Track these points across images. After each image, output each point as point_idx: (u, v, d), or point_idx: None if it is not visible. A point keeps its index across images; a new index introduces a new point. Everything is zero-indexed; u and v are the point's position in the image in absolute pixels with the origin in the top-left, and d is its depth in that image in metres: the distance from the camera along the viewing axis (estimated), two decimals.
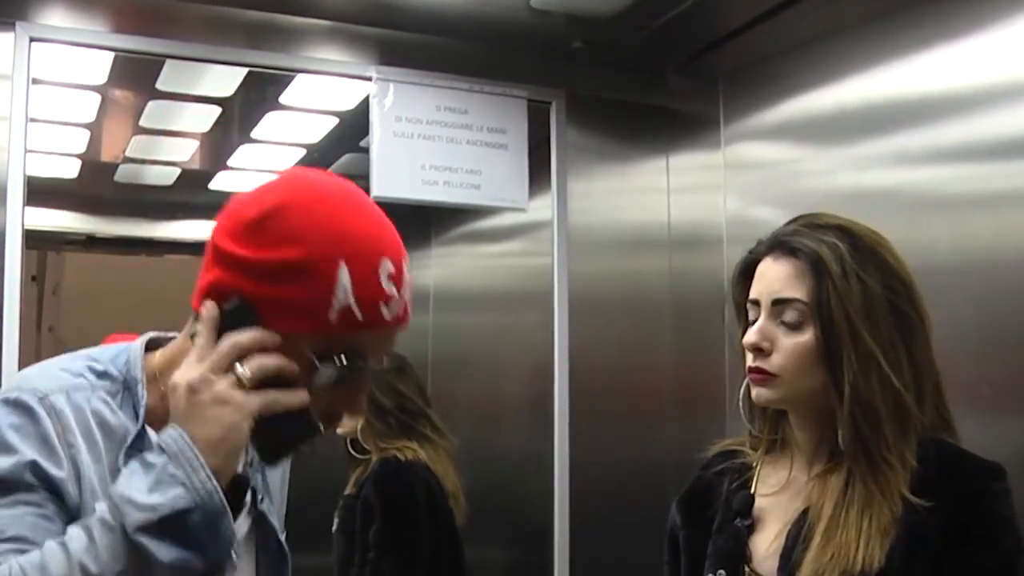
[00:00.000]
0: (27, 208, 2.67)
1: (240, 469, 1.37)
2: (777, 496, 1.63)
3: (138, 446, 1.25)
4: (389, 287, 1.26)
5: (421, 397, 3.32)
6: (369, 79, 3.07)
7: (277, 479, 1.54)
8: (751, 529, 1.62)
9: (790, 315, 1.55)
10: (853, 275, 1.52)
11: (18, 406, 1.22)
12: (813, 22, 2.81)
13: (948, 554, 1.44)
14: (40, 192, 2.92)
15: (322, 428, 1.28)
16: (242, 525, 1.40)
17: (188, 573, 1.16)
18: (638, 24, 3.01)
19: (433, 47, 3.13)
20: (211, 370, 1.20)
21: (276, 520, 1.48)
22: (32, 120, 2.70)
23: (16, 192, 2.64)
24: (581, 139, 3.37)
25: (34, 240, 2.95)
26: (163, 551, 1.13)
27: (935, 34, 2.49)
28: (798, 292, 1.55)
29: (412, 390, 3.29)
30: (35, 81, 2.72)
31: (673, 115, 3.44)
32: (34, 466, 1.19)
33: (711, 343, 3.13)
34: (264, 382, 1.22)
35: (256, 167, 4.17)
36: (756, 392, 1.59)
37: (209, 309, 1.25)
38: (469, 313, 4.47)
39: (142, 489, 1.14)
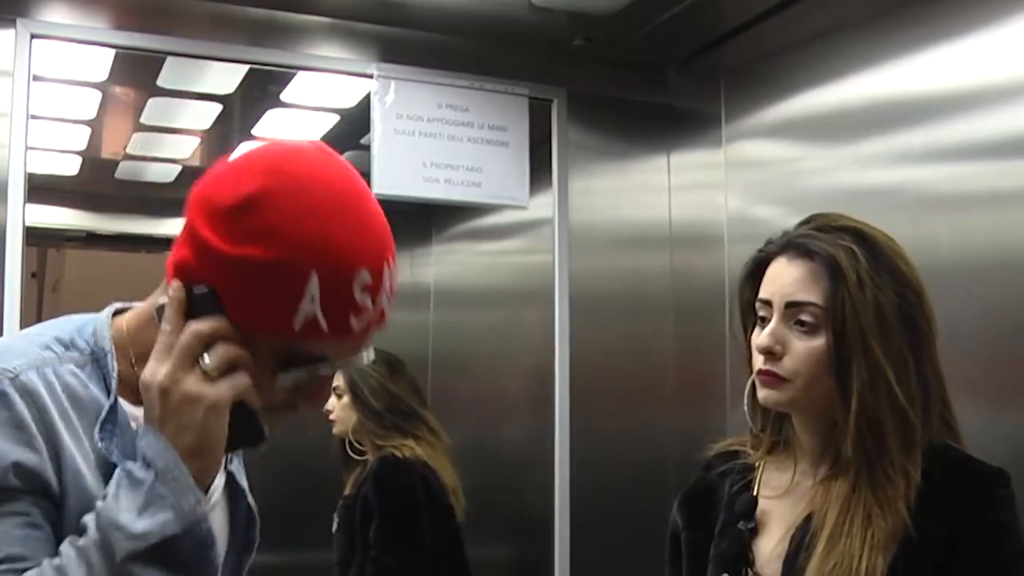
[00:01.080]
0: (28, 205, 2.67)
1: None
2: (781, 499, 1.62)
3: (112, 419, 1.20)
4: (362, 299, 1.19)
5: (416, 398, 3.31)
6: (370, 76, 3.06)
7: None
8: (754, 532, 1.61)
9: (804, 318, 1.52)
10: (869, 284, 1.49)
11: None
12: (815, 20, 2.80)
13: (951, 562, 1.43)
14: (41, 189, 2.93)
15: (267, 432, 1.22)
16: (218, 483, 1.36)
17: None
18: (640, 21, 3.01)
19: (434, 44, 3.13)
20: (178, 366, 1.15)
21: (244, 481, 1.44)
22: (33, 117, 2.70)
23: (17, 189, 2.64)
24: (582, 137, 3.36)
25: (34, 237, 2.95)
26: None
27: (937, 32, 2.49)
28: (814, 295, 1.52)
29: (405, 391, 3.28)
30: (36, 78, 2.72)
31: (674, 113, 3.44)
32: (16, 467, 1.12)
33: (712, 341, 3.13)
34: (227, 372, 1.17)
35: None
36: (764, 394, 1.57)
37: (176, 290, 1.19)
38: (470, 311, 4.47)
39: (131, 511, 1.10)
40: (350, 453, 3.28)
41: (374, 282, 1.20)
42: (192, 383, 1.15)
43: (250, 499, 1.44)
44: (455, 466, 3.26)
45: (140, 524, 1.10)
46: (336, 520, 3.27)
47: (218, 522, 1.35)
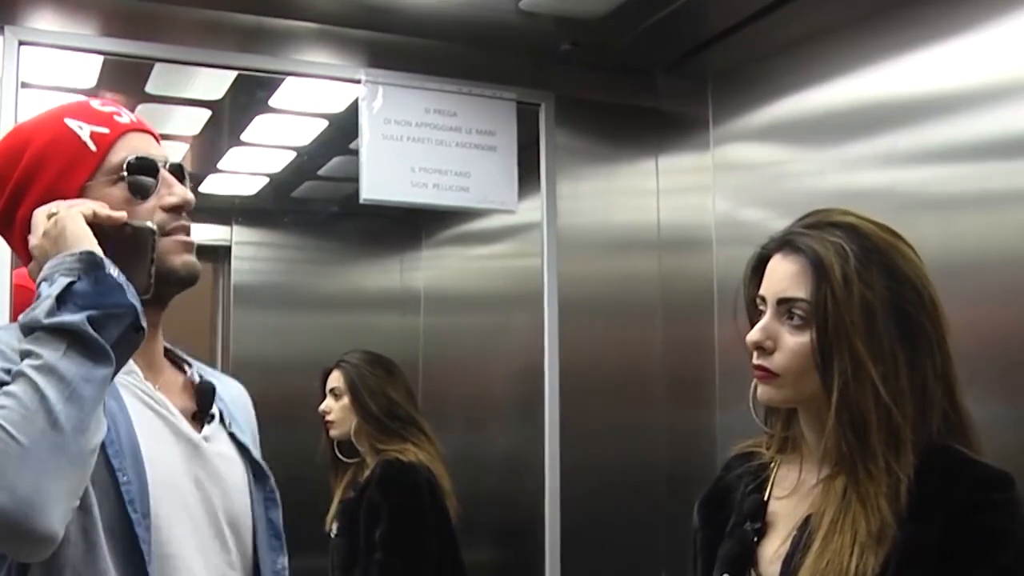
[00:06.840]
0: None
1: (196, 378, 1.67)
2: (787, 500, 1.62)
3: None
4: (109, 108, 1.60)
5: (411, 403, 3.31)
6: (358, 82, 3.06)
7: (241, 417, 1.74)
8: (760, 533, 1.61)
9: (795, 314, 1.53)
10: (855, 281, 1.49)
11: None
12: (803, 23, 2.81)
13: (945, 567, 1.41)
14: None
15: (155, 227, 1.52)
16: (217, 433, 1.64)
17: (110, 325, 1.35)
18: (627, 25, 3.01)
19: (422, 50, 3.13)
20: (41, 228, 1.47)
21: (249, 441, 1.70)
22: None
23: None
24: (570, 141, 3.37)
25: None
26: (71, 316, 1.33)
27: (924, 35, 2.50)
28: (802, 291, 1.52)
29: (402, 395, 3.29)
30: (24, 85, 2.71)
31: (662, 116, 3.44)
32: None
33: (701, 344, 3.14)
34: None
35: (246, 170, 4.17)
36: (760, 391, 1.58)
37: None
38: (459, 315, 4.47)
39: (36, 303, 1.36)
40: (340, 456, 3.28)
41: (104, 101, 1.63)
42: (51, 222, 1.46)
43: (255, 456, 1.69)
44: (448, 470, 3.26)
45: (45, 293, 1.36)
46: (335, 525, 3.25)
47: (237, 471, 1.63)
